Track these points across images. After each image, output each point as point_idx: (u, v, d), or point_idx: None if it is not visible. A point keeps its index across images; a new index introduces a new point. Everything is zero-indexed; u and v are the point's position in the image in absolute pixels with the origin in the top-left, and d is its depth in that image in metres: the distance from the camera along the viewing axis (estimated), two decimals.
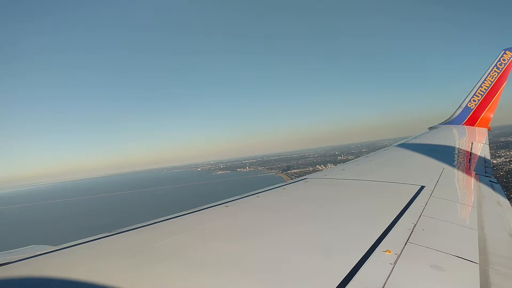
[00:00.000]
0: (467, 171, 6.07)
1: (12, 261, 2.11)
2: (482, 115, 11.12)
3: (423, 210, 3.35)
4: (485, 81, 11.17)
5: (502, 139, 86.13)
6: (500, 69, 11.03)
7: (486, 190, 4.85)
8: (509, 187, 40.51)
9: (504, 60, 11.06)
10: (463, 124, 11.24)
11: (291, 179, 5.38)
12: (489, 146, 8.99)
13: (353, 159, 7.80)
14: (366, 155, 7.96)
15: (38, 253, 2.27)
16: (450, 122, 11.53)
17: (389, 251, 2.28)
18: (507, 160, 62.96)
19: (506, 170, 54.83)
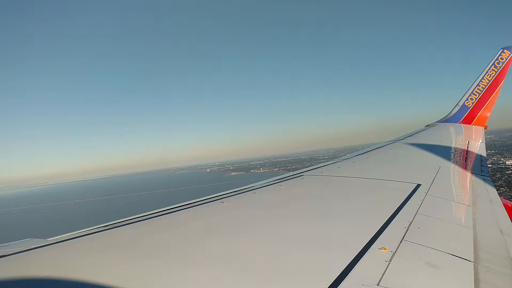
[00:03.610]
0: (463, 169, 6.09)
1: (6, 254, 2.10)
2: (479, 114, 11.13)
3: (418, 208, 3.36)
4: (482, 80, 11.18)
5: None
6: (498, 67, 11.04)
7: (482, 189, 4.87)
8: None
9: (502, 58, 11.06)
10: (460, 123, 11.25)
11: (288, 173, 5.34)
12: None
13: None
14: (362, 152, 7.80)
15: (33, 246, 2.27)
16: (447, 120, 11.54)
17: (385, 249, 2.29)
18: None
19: None
